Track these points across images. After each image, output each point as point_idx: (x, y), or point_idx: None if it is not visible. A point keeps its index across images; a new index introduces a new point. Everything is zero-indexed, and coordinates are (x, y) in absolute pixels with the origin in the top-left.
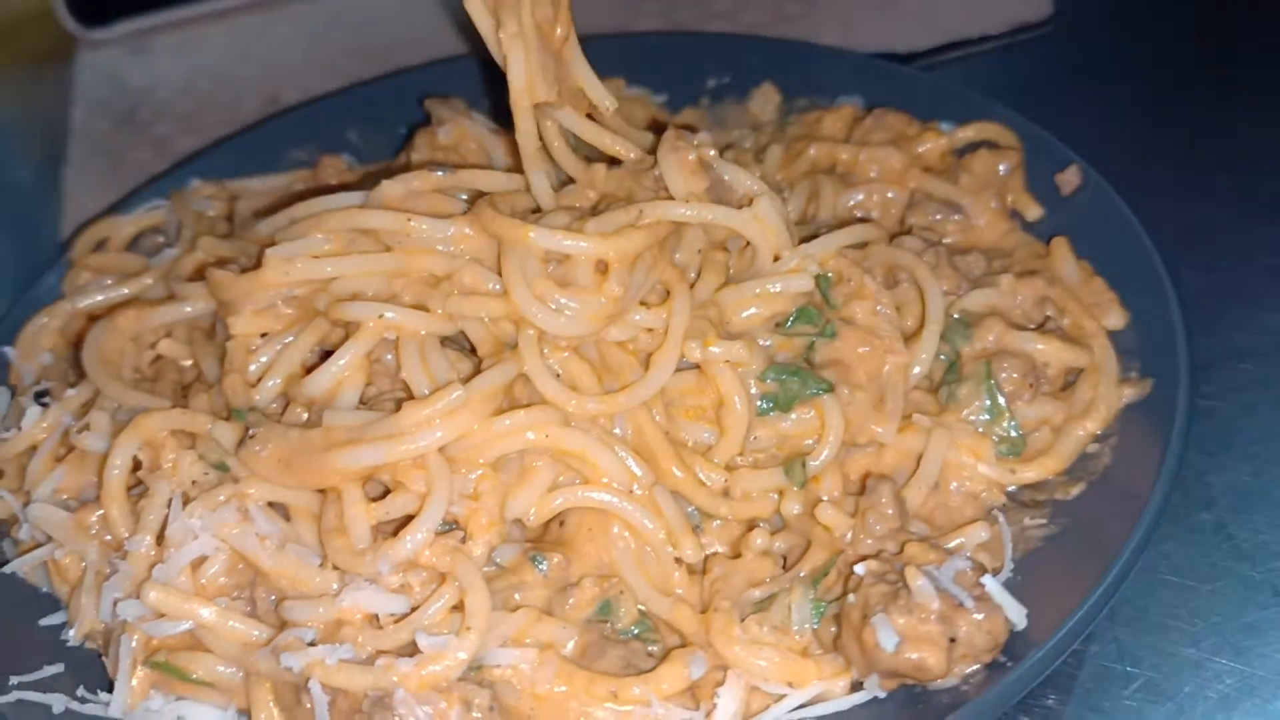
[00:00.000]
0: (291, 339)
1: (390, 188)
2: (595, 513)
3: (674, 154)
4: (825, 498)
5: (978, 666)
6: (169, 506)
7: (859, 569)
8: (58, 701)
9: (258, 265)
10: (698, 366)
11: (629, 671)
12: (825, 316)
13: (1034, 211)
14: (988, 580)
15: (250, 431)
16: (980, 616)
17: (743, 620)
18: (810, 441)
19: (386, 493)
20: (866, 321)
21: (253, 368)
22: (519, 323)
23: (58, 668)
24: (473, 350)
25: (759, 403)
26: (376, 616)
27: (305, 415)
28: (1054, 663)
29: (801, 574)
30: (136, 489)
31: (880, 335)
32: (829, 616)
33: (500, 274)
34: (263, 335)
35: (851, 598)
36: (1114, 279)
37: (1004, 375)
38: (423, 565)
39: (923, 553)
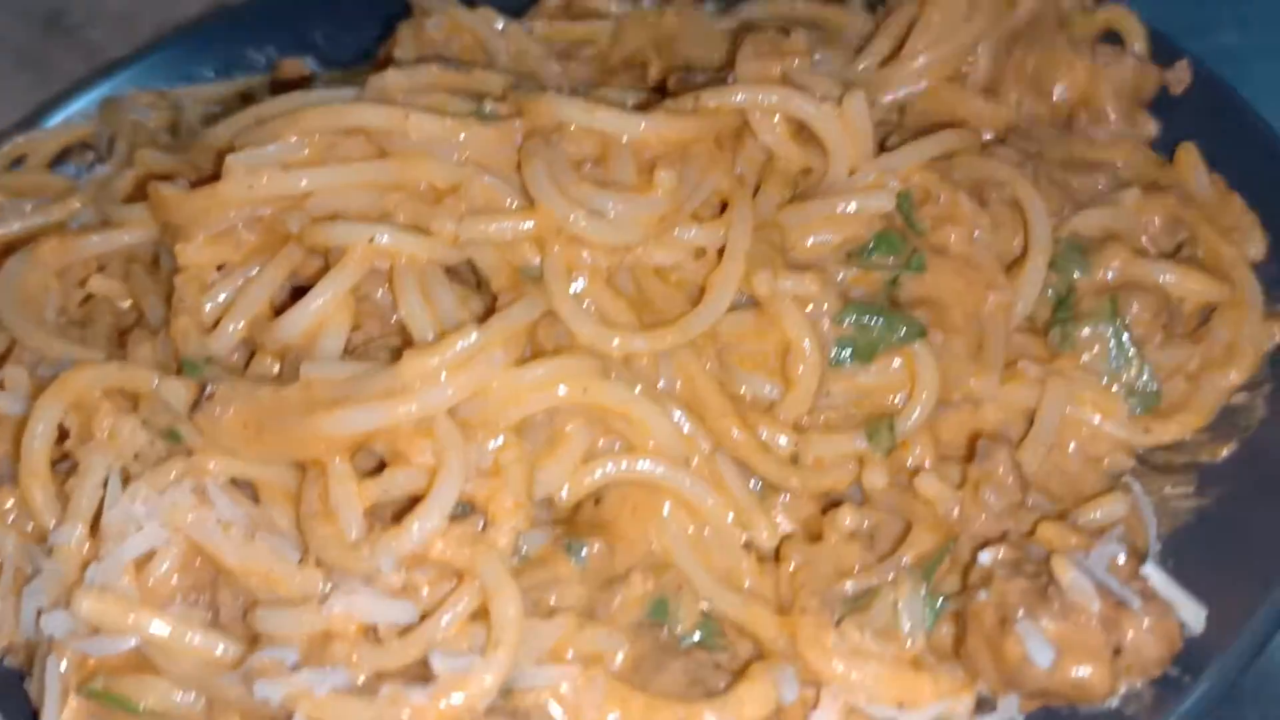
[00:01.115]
0: (256, 271)
1: (393, 78)
2: (641, 488)
3: (754, 61)
4: (917, 466)
5: (1141, 683)
6: (105, 487)
7: (984, 557)
8: None
9: (214, 177)
10: (757, 305)
11: (696, 691)
12: (910, 244)
13: (1149, 126)
14: (1151, 571)
15: (207, 389)
16: (1149, 620)
17: (837, 623)
18: (896, 398)
19: (382, 466)
20: (961, 250)
21: (208, 308)
22: (544, 243)
23: None
24: (480, 285)
25: (833, 350)
26: (375, 628)
27: (276, 367)
28: (1238, 675)
29: (905, 561)
30: (64, 464)
31: (978, 266)
32: (945, 616)
33: (522, 182)
34: (219, 267)
35: (983, 594)
36: (1250, 198)
37: (1132, 313)
38: (434, 560)
39: (1061, 535)
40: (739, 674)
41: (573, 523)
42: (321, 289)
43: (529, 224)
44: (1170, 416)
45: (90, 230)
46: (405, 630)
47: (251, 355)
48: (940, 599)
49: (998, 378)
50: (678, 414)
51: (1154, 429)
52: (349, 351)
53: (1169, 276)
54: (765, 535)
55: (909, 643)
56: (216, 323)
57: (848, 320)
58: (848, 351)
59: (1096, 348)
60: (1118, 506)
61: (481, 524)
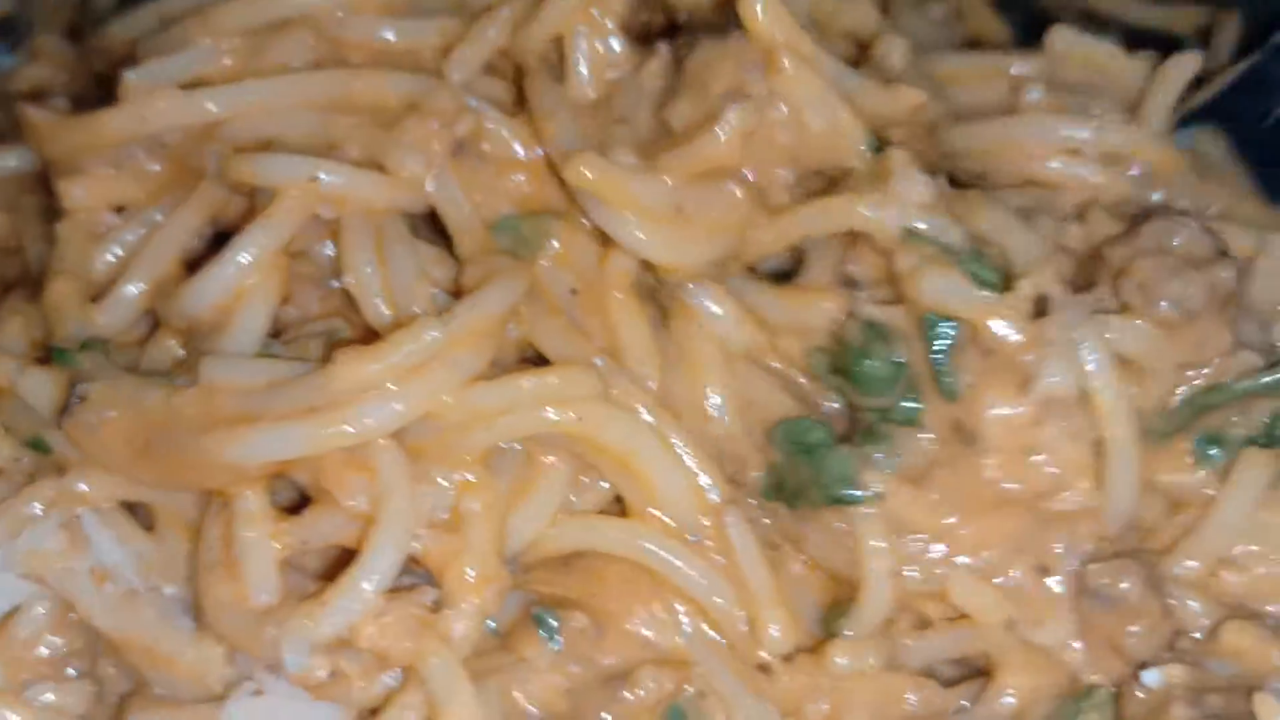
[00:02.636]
0: (163, 217)
1: None
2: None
3: None
4: None
5: None
6: None
7: (1151, 678)
8: None
9: (108, 95)
10: None
11: None
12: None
13: None
14: None
15: (77, 389)
16: None
17: None
18: None
19: (304, 500)
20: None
21: (101, 264)
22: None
23: None
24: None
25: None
26: None
27: (182, 352)
28: None
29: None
30: None
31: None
32: None
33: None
34: (119, 210)
35: None
36: None
37: None
38: (365, 649)
39: (1257, 644)
40: None
41: (538, 580)
42: (242, 244)
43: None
44: None
45: None
46: None
47: (153, 333)
48: None
49: None
50: (692, 461)
51: None
52: (278, 335)
53: None
54: (778, 634)
55: None
56: (110, 286)
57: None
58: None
59: None
60: None
61: (433, 600)
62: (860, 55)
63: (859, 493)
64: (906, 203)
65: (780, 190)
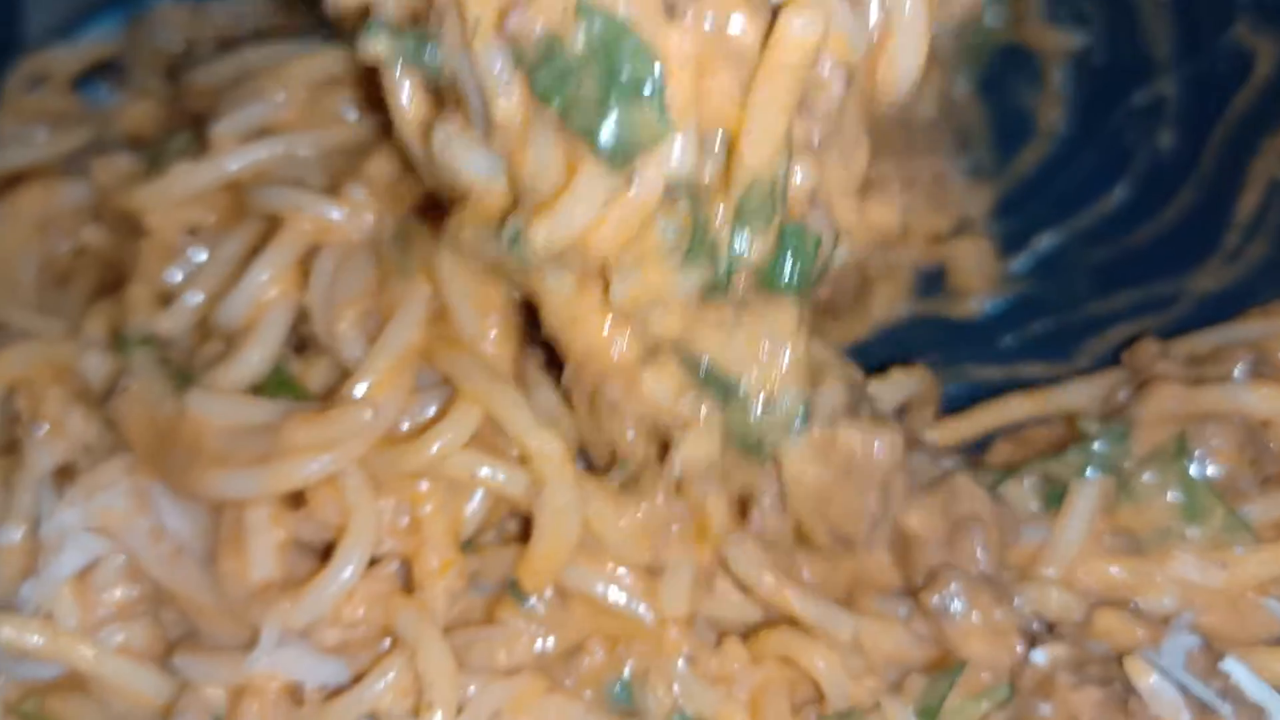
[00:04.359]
0: (227, 238)
1: None
2: None
3: None
4: None
5: None
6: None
7: (1039, 656)
8: None
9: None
10: None
11: None
12: None
13: None
14: (1233, 667)
15: (121, 381)
16: None
17: None
18: None
19: None
20: None
21: (179, 277)
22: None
23: None
24: None
25: None
26: (301, 687)
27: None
28: None
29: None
30: None
31: None
32: None
33: None
34: (193, 231)
35: (1044, 707)
36: None
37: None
38: (348, 622)
39: (1124, 626)
40: None
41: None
42: (261, 264)
43: None
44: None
45: (79, 176)
46: (333, 694)
47: (205, 339)
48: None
49: None
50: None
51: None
52: (303, 349)
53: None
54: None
55: None
56: (180, 294)
57: None
58: None
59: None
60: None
61: (396, 565)
62: None
63: None
64: None
65: None
